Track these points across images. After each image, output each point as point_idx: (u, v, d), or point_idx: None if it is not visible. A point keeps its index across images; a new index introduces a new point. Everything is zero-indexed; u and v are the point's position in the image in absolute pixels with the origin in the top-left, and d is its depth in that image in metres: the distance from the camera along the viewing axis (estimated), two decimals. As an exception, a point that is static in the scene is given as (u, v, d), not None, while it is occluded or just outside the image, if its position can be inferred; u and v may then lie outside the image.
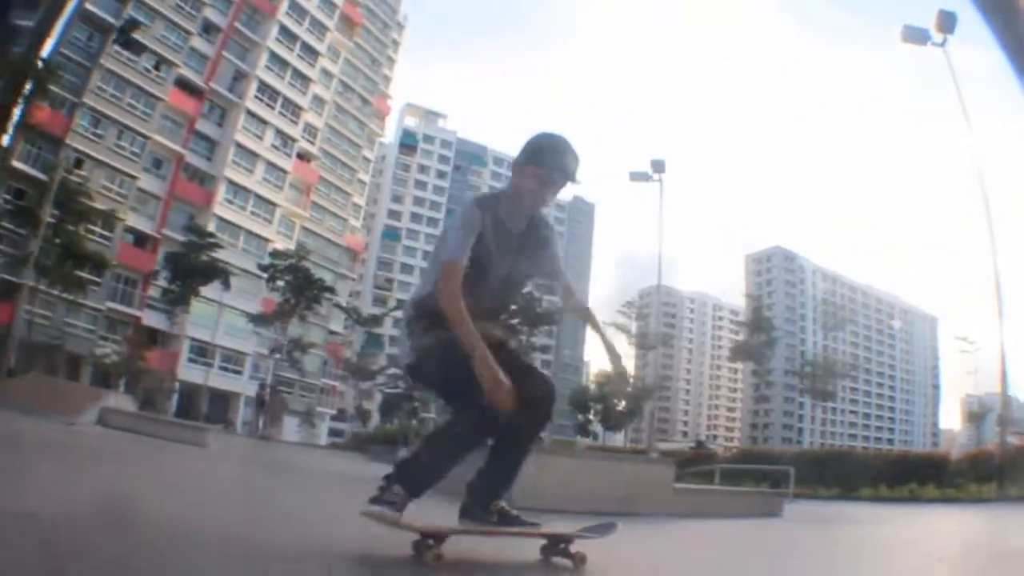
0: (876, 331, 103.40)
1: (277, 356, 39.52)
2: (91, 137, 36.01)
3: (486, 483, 2.68)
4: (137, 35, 34.35)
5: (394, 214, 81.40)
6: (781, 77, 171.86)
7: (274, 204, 46.54)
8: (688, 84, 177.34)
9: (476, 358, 2.36)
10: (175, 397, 36.89)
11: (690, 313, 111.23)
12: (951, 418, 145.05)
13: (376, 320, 56.97)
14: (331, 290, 41.44)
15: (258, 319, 39.50)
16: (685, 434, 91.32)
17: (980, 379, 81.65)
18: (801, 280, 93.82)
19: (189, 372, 39.61)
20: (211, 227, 39.71)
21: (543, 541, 2.75)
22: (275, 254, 40.27)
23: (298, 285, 38.17)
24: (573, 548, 2.69)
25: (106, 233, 34.95)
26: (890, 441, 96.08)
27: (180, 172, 41.15)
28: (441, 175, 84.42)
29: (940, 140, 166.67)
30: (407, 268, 79.55)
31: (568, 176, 2.61)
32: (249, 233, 44.39)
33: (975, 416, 58.55)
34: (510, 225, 2.65)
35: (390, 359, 59.55)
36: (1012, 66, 1.59)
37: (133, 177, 37.85)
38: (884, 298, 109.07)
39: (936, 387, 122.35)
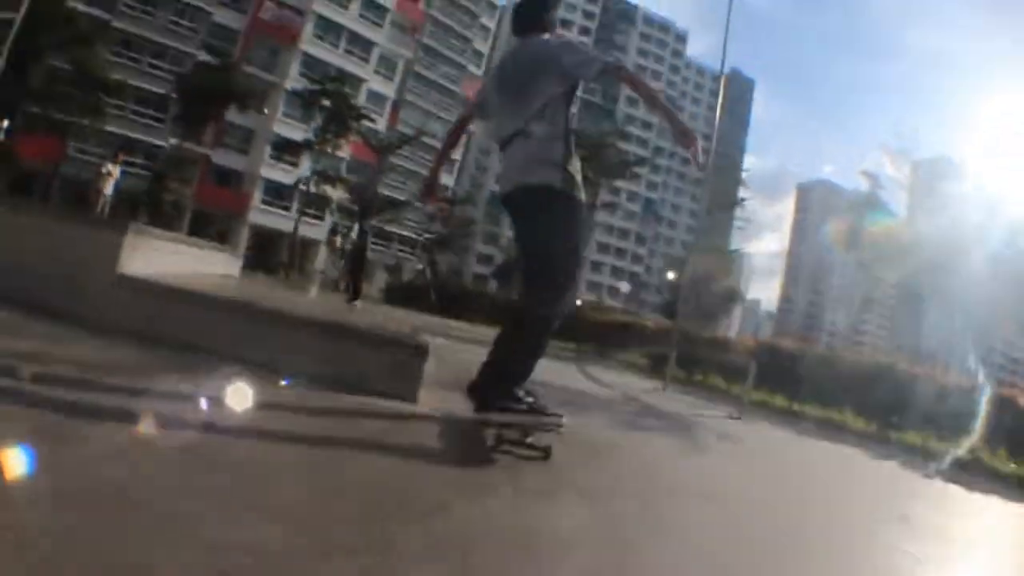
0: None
1: (302, 187, 36.24)
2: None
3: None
4: None
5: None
6: None
7: (371, 43, 44.44)
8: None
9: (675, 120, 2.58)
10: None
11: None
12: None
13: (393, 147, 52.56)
14: (366, 117, 38.01)
15: (283, 145, 37.40)
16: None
17: None
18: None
19: (263, 217, 40.44)
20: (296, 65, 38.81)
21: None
22: (318, 79, 36.91)
23: (335, 111, 35.53)
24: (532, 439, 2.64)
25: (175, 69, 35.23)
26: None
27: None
28: (585, 32, 76.17)
29: None
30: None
31: None
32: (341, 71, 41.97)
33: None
34: None
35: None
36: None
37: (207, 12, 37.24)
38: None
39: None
